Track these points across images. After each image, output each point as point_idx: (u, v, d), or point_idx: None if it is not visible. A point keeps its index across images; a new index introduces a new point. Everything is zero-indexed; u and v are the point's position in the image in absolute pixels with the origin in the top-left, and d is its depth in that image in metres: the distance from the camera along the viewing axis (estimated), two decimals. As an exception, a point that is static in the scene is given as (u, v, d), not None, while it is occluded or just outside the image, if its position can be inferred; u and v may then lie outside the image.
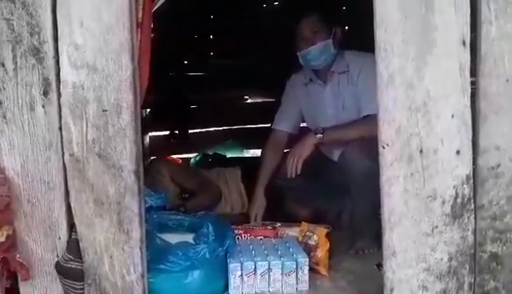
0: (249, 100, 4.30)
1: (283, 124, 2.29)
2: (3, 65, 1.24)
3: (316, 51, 2.04)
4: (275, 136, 2.29)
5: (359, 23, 1.69)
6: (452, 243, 1.26)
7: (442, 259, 1.27)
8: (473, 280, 1.28)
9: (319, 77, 2.17)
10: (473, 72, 1.23)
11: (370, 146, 1.36)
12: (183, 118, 3.94)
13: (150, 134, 3.77)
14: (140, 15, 1.27)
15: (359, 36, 1.71)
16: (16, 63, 1.24)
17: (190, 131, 4.03)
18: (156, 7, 1.41)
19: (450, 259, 1.27)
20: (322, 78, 2.16)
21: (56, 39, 1.23)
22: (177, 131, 3.96)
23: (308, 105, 2.24)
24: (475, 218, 1.26)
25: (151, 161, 2.64)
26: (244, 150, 4.21)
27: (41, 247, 1.31)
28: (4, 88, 1.25)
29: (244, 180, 2.50)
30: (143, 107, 1.33)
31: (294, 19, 2.09)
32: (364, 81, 1.97)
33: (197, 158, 3.53)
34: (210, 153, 3.62)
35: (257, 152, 4.07)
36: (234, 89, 4.04)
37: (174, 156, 3.57)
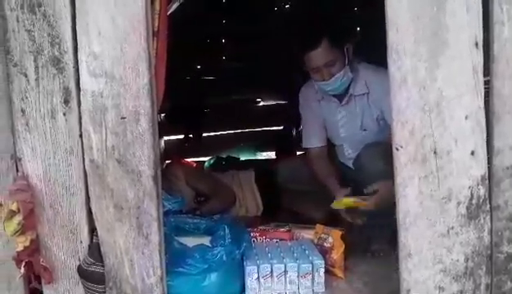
0: (261, 103, 4.32)
1: (312, 142, 2.21)
2: (26, 75, 1.28)
3: (335, 83, 1.91)
4: (312, 155, 2.21)
5: (371, 23, 1.68)
6: (468, 244, 1.27)
7: (458, 260, 1.27)
8: (489, 281, 1.28)
9: (334, 95, 2.04)
10: (487, 71, 1.23)
11: (384, 149, 1.36)
12: (197, 122, 3.98)
13: (165, 138, 3.82)
14: (156, 23, 1.30)
15: (372, 38, 1.69)
16: (38, 73, 1.28)
17: (203, 135, 4.06)
18: (169, 12, 1.44)
19: (466, 260, 1.27)
20: (338, 97, 2.05)
21: (75, 49, 1.27)
22: (191, 135, 4.00)
23: (324, 121, 2.18)
24: (491, 219, 1.26)
25: (167, 165, 2.67)
26: (258, 153, 4.23)
27: (63, 252, 1.34)
28: (27, 97, 1.29)
29: (258, 183, 2.51)
30: (159, 112, 1.35)
31: (303, 44, 1.90)
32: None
33: (211, 161, 3.56)
34: (224, 156, 3.65)
35: (270, 154, 4.10)
36: (246, 92, 4.06)
37: (188, 159, 3.61)
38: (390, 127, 1.80)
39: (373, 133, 2.02)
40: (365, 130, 2.05)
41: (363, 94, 2.00)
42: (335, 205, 1.86)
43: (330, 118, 2.14)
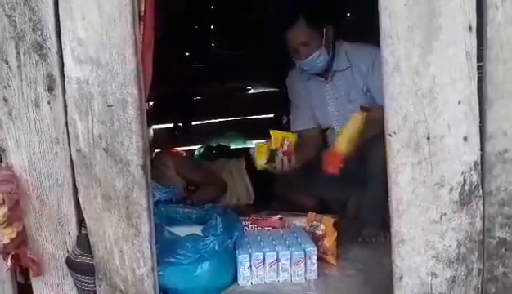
0: (251, 91, 4.28)
1: (300, 125, 2.23)
2: (7, 63, 1.24)
3: (311, 62, 2.00)
4: (304, 137, 2.17)
5: (364, 9, 1.66)
6: (461, 230, 1.26)
7: (450, 246, 1.27)
8: (481, 266, 1.28)
9: (319, 74, 2.13)
10: (480, 57, 1.22)
11: (381, 135, 1.34)
12: (186, 110, 3.94)
13: (154, 127, 3.77)
14: (142, 7, 1.26)
15: (364, 23, 1.68)
16: (20, 60, 1.24)
17: (193, 123, 4.02)
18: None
19: (458, 245, 1.27)
20: (323, 75, 2.13)
21: (58, 34, 1.22)
22: (180, 124, 3.96)
23: (310, 101, 2.20)
24: (483, 204, 1.26)
25: (156, 154, 2.64)
26: (247, 141, 4.20)
27: (51, 243, 1.32)
28: (9, 85, 1.25)
29: (249, 171, 2.50)
30: (147, 100, 1.32)
31: (282, 26, 1.97)
32: (376, 76, 1.88)
33: (201, 150, 3.53)
34: (214, 145, 3.62)
35: (260, 142, 4.07)
36: (236, 80, 4.02)
37: (178, 148, 3.57)
38: (377, 101, 1.86)
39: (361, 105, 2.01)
40: (352, 102, 2.07)
41: (346, 68, 2.07)
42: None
43: (318, 97, 2.17)
